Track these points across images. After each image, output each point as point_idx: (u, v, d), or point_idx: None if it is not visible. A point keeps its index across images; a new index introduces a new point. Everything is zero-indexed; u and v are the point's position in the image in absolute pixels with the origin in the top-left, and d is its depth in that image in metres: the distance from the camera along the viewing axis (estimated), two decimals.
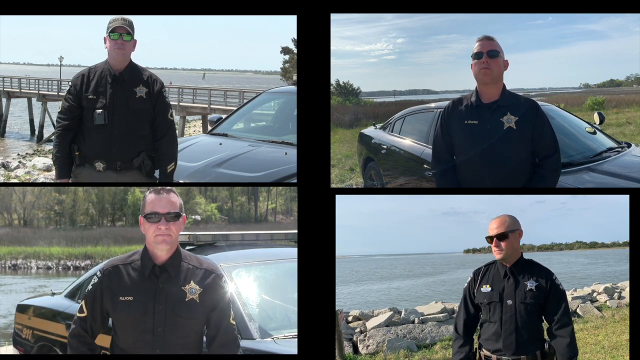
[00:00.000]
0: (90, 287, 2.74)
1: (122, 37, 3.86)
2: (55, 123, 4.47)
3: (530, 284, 2.98)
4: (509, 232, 3.02)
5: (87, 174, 3.94)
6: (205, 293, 2.68)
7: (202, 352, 2.72)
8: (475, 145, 3.35)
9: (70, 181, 4.01)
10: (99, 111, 3.86)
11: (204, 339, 2.73)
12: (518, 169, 3.33)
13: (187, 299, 2.65)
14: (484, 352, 3.03)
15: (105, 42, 3.93)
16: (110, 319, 2.73)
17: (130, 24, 3.89)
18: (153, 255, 2.68)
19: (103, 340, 2.82)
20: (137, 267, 2.68)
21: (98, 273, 2.74)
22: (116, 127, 3.87)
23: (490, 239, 3.04)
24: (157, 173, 4.04)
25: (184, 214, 2.73)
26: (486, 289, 3.05)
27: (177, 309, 2.63)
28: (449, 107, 3.49)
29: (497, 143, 3.30)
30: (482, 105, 3.37)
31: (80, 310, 2.73)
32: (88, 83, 3.91)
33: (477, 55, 3.34)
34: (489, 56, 3.31)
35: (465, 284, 3.17)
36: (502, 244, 3.01)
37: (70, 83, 4.01)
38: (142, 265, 2.68)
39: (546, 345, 2.96)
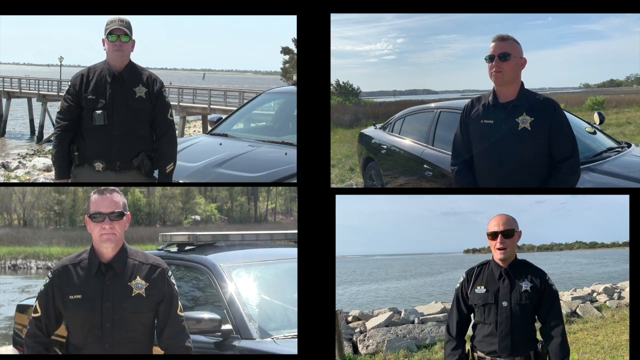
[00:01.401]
0: (42, 287, 2.84)
1: (119, 38, 3.85)
2: (54, 123, 4.46)
3: (525, 285, 2.95)
4: (514, 230, 3.00)
5: (87, 174, 3.94)
6: (151, 287, 2.78)
7: (154, 346, 2.82)
8: (489, 145, 3.34)
9: (69, 181, 4.01)
10: (98, 112, 3.85)
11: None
12: (529, 171, 3.30)
13: (133, 294, 2.75)
14: (478, 353, 3.01)
15: (103, 44, 3.91)
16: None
17: (128, 25, 3.87)
18: (99, 253, 2.79)
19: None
20: (85, 265, 2.79)
21: (49, 273, 2.84)
22: (116, 127, 3.86)
23: (494, 235, 2.98)
24: (156, 173, 4.04)
25: (127, 213, 2.84)
26: (480, 290, 3.01)
27: (124, 304, 2.73)
28: (468, 106, 3.49)
29: (509, 143, 3.28)
30: (499, 105, 3.35)
31: (35, 311, 2.83)
32: (87, 83, 3.90)
33: (489, 59, 3.33)
34: (500, 59, 3.29)
35: (458, 285, 3.13)
36: (508, 241, 2.97)
37: (69, 83, 4.00)
38: (89, 264, 2.78)
39: (539, 346, 2.95)
